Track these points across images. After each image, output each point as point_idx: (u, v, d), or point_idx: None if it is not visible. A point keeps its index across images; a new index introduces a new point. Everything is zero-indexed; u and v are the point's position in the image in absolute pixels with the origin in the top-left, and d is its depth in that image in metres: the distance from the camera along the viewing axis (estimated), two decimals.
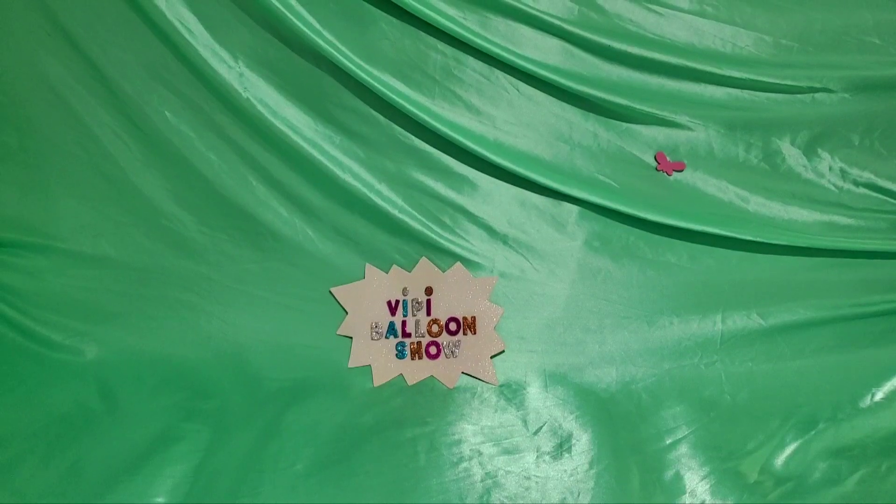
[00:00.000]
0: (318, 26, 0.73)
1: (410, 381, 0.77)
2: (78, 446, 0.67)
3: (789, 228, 0.78)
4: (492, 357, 0.77)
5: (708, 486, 0.62)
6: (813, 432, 0.68)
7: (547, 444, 0.67)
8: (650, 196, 0.78)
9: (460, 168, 0.79)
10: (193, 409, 0.72)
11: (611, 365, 0.76)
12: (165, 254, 0.81)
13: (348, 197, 0.79)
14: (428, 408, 0.72)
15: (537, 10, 0.73)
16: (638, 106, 0.76)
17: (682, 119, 0.77)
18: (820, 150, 0.78)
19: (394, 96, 0.74)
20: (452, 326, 0.78)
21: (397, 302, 0.80)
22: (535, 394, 0.73)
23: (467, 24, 0.74)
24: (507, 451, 0.66)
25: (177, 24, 0.74)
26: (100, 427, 0.70)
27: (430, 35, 0.75)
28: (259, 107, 0.76)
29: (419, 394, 0.75)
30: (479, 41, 0.73)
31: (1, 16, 0.76)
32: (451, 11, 0.73)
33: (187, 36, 0.74)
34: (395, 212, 0.79)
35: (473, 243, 0.80)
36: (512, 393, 0.74)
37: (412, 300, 0.80)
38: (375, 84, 0.73)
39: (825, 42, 0.76)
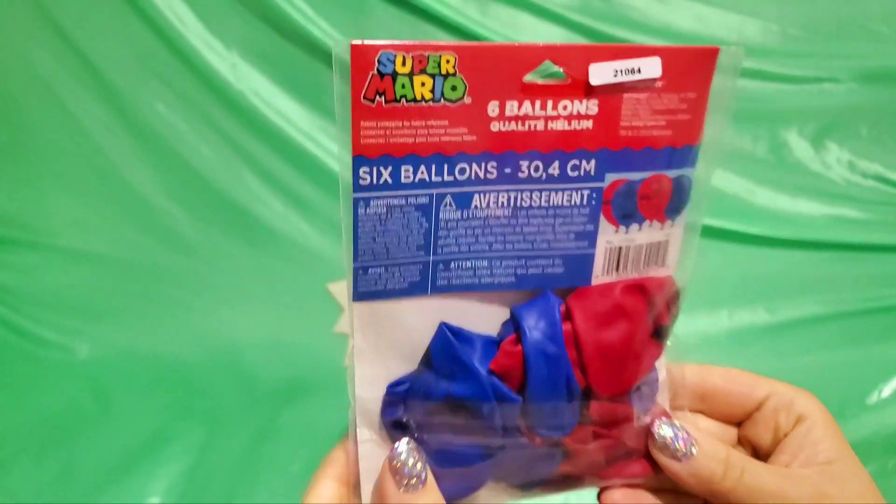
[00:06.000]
0: (312, 15, 0.72)
1: None
2: (71, 446, 0.66)
3: (796, 222, 0.77)
4: None
5: None
6: None
7: None
8: None
9: None
10: (187, 408, 0.70)
11: None
12: (158, 250, 0.80)
13: None
14: None
15: None
16: None
17: None
18: (827, 142, 0.77)
19: None
20: None
21: None
22: None
23: (467, 11, 0.73)
24: None
25: (168, 14, 0.72)
26: (93, 426, 0.68)
27: (429, 23, 0.74)
28: (252, 98, 0.74)
29: None
30: (478, 29, 0.71)
31: None
32: None
33: (179, 26, 0.73)
34: None
35: None
36: None
37: None
38: None
39: (832, 31, 0.74)
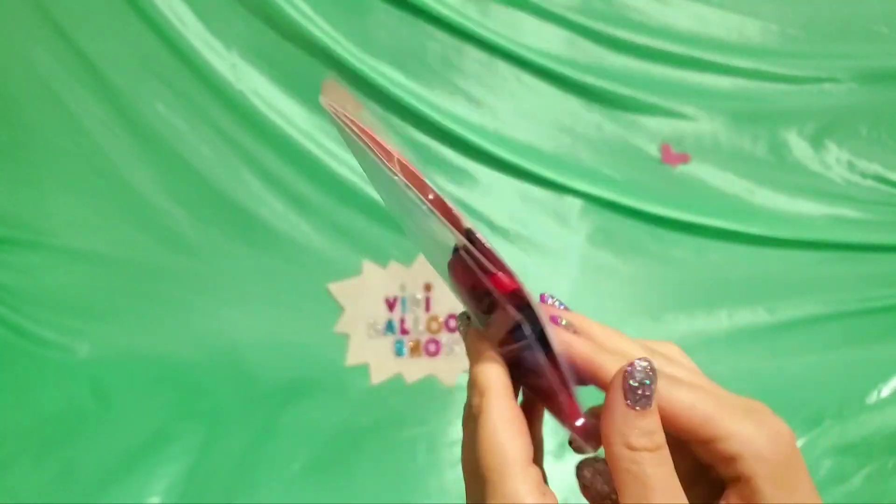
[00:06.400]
0: (313, 15, 0.72)
1: (409, 380, 0.76)
2: (71, 446, 0.66)
3: (796, 222, 0.77)
4: None
5: None
6: (819, 429, 0.67)
7: (549, 443, 0.66)
8: (655, 189, 0.77)
9: (460, 161, 0.78)
10: (187, 408, 0.70)
11: None
12: (158, 250, 0.80)
13: (344, 191, 0.77)
14: (427, 407, 0.71)
15: None
16: (642, 96, 0.74)
17: (687, 110, 0.76)
18: (827, 142, 0.77)
19: (391, 87, 0.72)
20: (452, 323, 0.77)
21: (395, 298, 0.78)
22: None
23: (467, 12, 0.72)
24: None
25: (169, 14, 0.72)
26: (93, 426, 0.69)
27: (429, 23, 0.73)
28: (252, 98, 0.74)
29: (418, 392, 0.74)
30: (478, 30, 0.71)
31: None
32: None
33: (179, 26, 0.72)
34: None
35: None
36: None
37: (411, 296, 0.78)
38: (372, 74, 0.72)
39: (832, 31, 0.75)
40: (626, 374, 0.18)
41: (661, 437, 0.18)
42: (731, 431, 0.18)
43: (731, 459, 0.18)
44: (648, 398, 0.18)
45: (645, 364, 0.18)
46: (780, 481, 0.18)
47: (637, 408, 0.18)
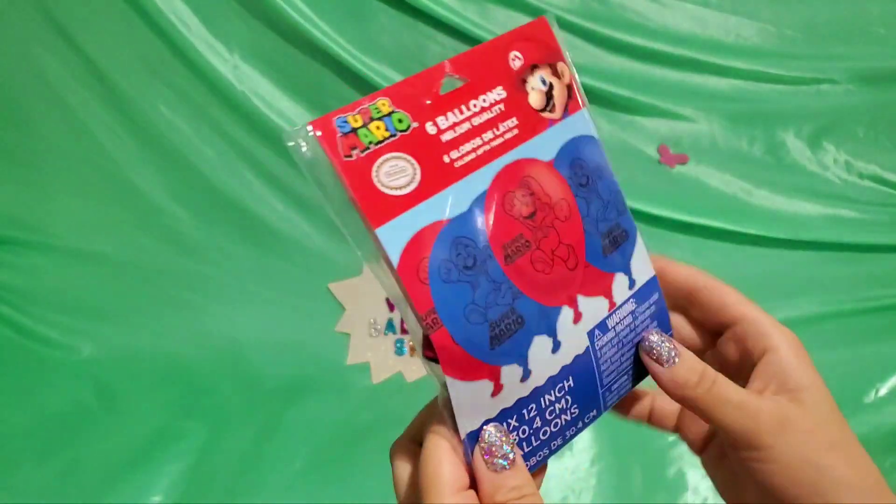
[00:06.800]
0: (315, 18, 0.72)
1: (409, 379, 0.76)
2: (75, 445, 0.66)
3: (794, 222, 0.77)
4: None
5: (710, 484, 0.62)
6: None
7: None
8: (653, 189, 0.77)
9: None
10: (191, 406, 0.71)
11: None
12: (161, 250, 0.80)
13: None
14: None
15: (538, 0, 0.72)
16: (640, 97, 0.75)
17: (685, 111, 0.76)
18: (825, 143, 0.77)
19: None
20: None
21: None
22: None
23: (466, 14, 0.73)
24: None
25: (172, 17, 0.73)
26: (97, 425, 0.69)
27: (429, 26, 0.74)
28: (254, 100, 0.75)
29: (418, 391, 0.74)
30: (478, 32, 0.72)
31: None
32: (450, 1, 0.72)
33: (182, 29, 0.73)
34: None
35: None
36: None
37: None
38: (373, 76, 0.72)
39: (830, 33, 0.75)
40: (481, 448, 0.21)
41: (527, 488, 0.21)
42: (753, 315, 0.24)
43: (761, 335, 0.23)
44: (506, 457, 0.21)
45: (491, 430, 0.21)
46: (800, 358, 0.23)
47: (498, 470, 0.20)
